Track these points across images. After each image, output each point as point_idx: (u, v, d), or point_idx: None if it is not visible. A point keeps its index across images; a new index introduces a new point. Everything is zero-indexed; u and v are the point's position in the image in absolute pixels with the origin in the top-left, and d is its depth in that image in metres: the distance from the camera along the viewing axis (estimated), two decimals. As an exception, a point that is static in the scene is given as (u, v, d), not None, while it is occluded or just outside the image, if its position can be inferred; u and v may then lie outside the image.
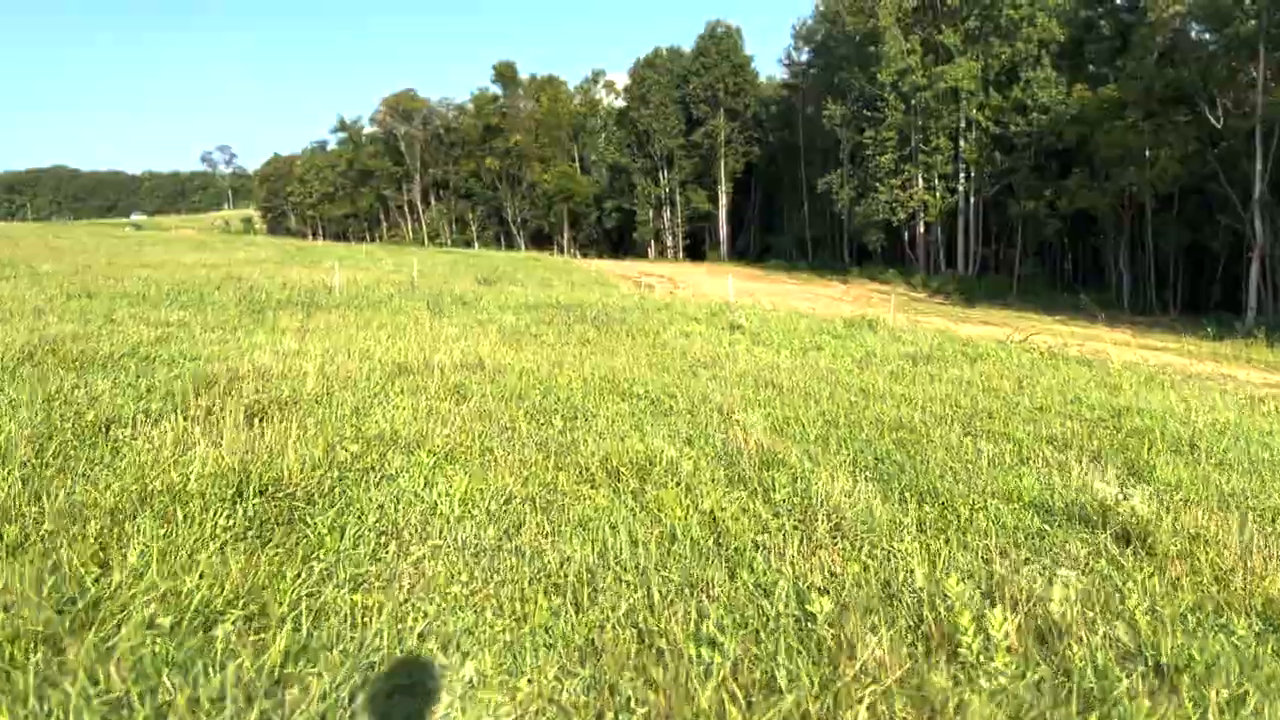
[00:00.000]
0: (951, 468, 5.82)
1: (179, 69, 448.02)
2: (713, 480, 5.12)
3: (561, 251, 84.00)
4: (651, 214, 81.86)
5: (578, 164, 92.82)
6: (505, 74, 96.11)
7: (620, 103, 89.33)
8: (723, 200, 78.89)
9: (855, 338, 15.72)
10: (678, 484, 5.00)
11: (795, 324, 17.61)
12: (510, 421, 6.39)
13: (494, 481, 4.82)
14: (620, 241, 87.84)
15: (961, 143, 53.37)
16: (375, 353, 9.41)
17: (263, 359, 8.10)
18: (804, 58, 72.78)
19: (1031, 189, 49.23)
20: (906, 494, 5.12)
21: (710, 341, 13.57)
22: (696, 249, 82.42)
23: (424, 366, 8.66)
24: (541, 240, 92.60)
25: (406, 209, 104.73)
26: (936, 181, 54.72)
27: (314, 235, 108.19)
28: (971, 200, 54.30)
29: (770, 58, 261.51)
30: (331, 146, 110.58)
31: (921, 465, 5.89)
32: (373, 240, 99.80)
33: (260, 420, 5.72)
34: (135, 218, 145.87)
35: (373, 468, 4.90)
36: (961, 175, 54.36)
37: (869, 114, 55.20)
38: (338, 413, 6.12)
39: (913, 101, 53.64)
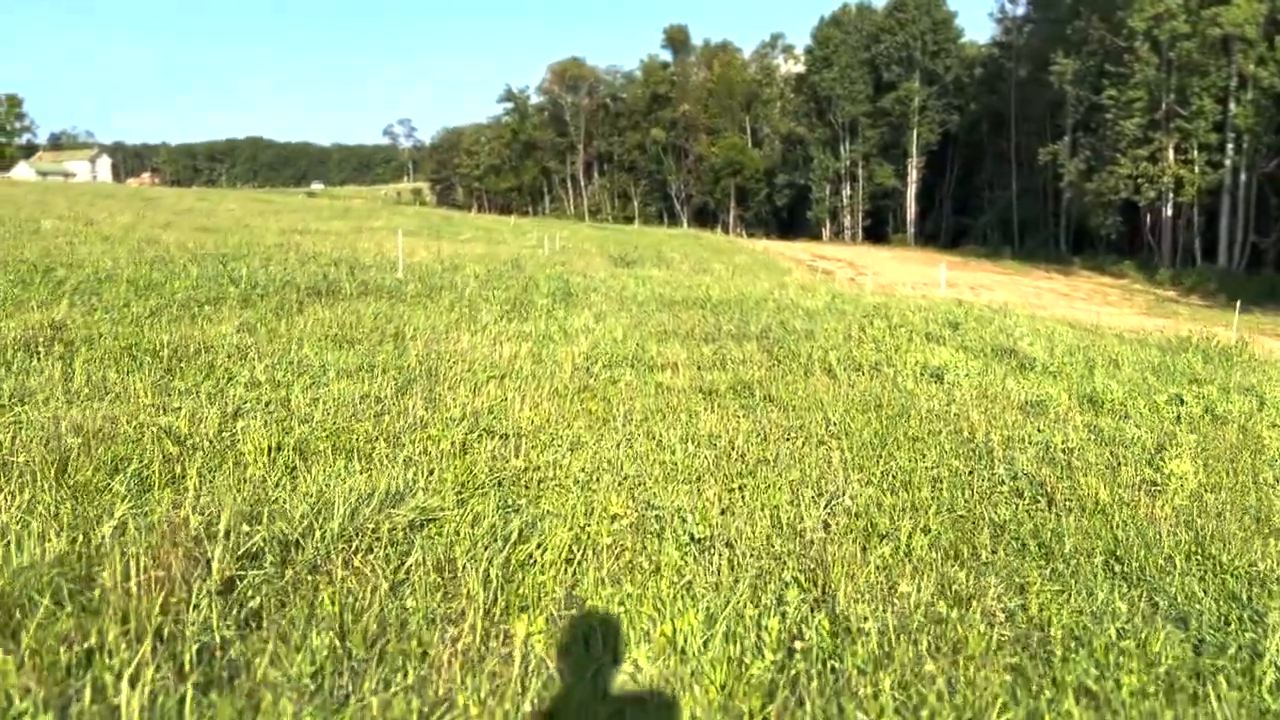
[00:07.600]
0: None
1: (372, 43, 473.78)
2: None
3: (726, 230, 77.81)
4: (828, 190, 73.85)
5: (748, 136, 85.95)
6: (676, 39, 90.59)
7: (799, 69, 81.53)
8: (912, 175, 69.74)
9: (1227, 378, 9.17)
10: None
11: (1094, 347, 11.07)
12: None
13: None
14: (791, 221, 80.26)
15: (1232, 105, 42.50)
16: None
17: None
18: (1020, 10, 62.59)
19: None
20: None
21: (993, 396, 7.44)
22: (877, 230, 73.67)
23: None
24: (705, 218, 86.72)
25: (569, 182, 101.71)
26: (1195, 153, 43.96)
27: (478, 208, 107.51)
28: (1242, 177, 43.30)
29: (972, 18, 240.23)
30: (504, 119, 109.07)
31: None
32: (535, 214, 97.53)
33: None
34: (314, 187, 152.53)
35: None
36: (1229, 146, 43.47)
37: (1110, 70, 45.17)
38: None
39: (1170, 54, 43.26)
